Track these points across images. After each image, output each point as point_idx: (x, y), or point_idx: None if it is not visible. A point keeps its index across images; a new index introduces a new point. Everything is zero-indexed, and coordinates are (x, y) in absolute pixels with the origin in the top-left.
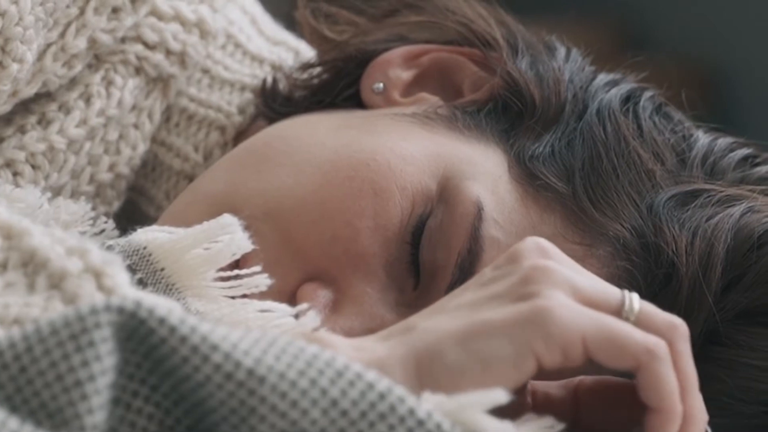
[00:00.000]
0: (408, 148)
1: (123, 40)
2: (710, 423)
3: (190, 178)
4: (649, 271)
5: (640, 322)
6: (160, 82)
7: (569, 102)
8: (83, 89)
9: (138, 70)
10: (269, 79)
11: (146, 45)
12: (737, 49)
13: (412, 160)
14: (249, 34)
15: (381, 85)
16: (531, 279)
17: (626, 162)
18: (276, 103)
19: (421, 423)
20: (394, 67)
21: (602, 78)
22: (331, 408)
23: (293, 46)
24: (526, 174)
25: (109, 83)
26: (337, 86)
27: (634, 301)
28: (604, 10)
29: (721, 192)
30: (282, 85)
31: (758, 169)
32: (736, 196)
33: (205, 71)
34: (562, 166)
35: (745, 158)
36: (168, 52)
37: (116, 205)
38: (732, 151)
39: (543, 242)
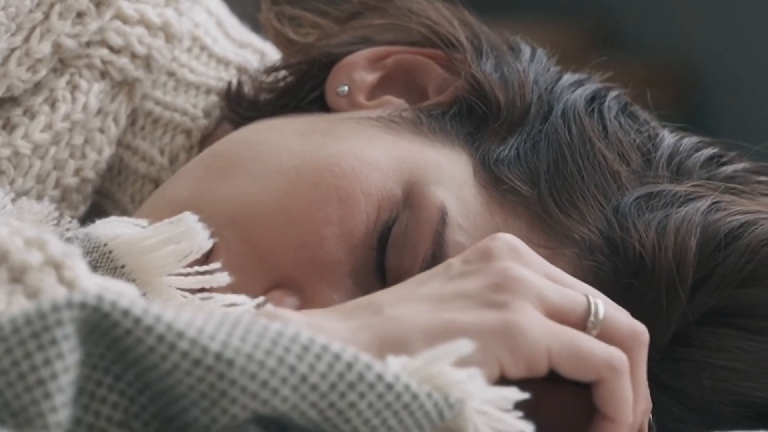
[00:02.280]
0: (373, 153)
1: (88, 44)
2: (687, 425)
3: (156, 182)
4: (618, 272)
5: (605, 330)
6: (125, 85)
7: (534, 104)
8: (48, 94)
9: (103, 74)
10: (234, 83)
11: (111, 49)
12: (710, 49)
13: (377, 165)
14: (215, 37)
15: (345, 88)
16: (501, 287)
17: (591, 164)
18: (241, 107)
19: (389, 386)
20: (358, 70)
21: (567, 78)
22: (301, 384)
23: (259, 48)
24: (491, 178)
25: (74, 87)
26: (303, 89)
27: (600, 308)
28: (577, 11)
29: (686, 190)
30: (247, 89)
31: (724, 168)
32: (701, 195)
33: (171, 74)
34: (527, 170)
35: (711, 158)
36: (133, 56)
37: (82, 209)
38: (698, 150)
39: (514, 241)
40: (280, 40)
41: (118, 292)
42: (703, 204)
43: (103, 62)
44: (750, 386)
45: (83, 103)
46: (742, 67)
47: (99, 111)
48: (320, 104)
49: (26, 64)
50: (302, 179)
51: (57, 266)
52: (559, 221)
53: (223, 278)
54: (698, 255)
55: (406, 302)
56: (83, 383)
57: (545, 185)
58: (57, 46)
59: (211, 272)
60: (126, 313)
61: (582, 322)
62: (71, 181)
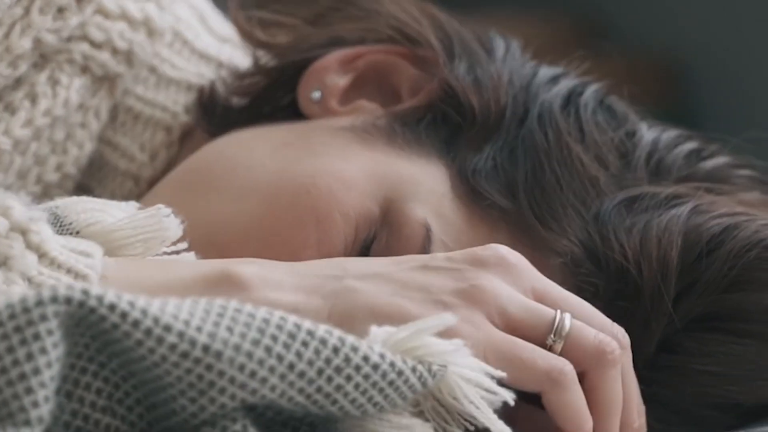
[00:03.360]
0: (348, 170)
1: (69, 39)
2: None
3: (136, 179)
4: (602, 283)
5: (569, 346)
6: (106, 81)
7: (509, 107)
8: (29, 89)
9: (84, 69)
10: (207, 89)
11: (92, 44)
12: (696, 40)
13: (353, 183)
14: (197, 31)
15: (318, 93)
16: (463, 292)
17: (569, 170)
18: (214, 114)
19: (376, 366)
20: (330, 74)
21: (544, 74)
22: (289, 372)
23: (240, 42)
24: (470, 191)
25: (55, 83)
26: (275, 95)
27: (565, 323)
28: (562, 3)
29: (666, 192)
30: (220, 95)
31: (704, 164)
32: (682, 195)
33: (152, 70)
34: (504, 180)
35: (691, 153)
36: (114, 51)
37: None
38: (677, 146)
39: (506, 253)
40: (250, 42)
41: (86, 252)
42: (683, 209)
43: (84, 57)
44: (734, 390)
45: (64, 98)
46: (729, 58)
47: (80, 106)
48: (295, 109)
49: (6, 59)
50: (278, 200)
51: (23, 231)
52: (540, 235)
53: (191, 258)
54: (681, 265)
55: (371, 278)
56: (67, 371)
57: (524, 197)
58: (38, 42)
59: (177, 253)
60: (112, 307)
61: (543, 336)
62: (52, 177)
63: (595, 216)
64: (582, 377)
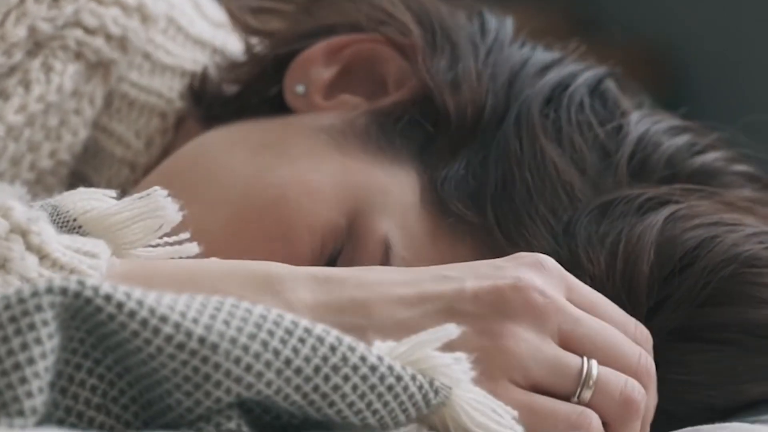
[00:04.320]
0: (318, 180)
1: (63, 25)
2: None
3: (132, 166)
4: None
5: (596, 397)
6: (100, 67)
7: (488, 107)
8: (22, 75)
9: (78, 56)
10: (198, 78)
11: (86, 30)
12: (690, 30)
13: (321, 195)
14: (191, 17)
15: (302, 87)
16: (487, 351)
17: (541, 178)
18: (205, 104)
19: (373, 368)
20: (315, 66)
21: (535, 62)
22: (285, 368)
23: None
24: (438, 202)
25: (48, 69)
26: (262, 87)
27: (593, 372)
28: None
29: (646, 195)
30: (211, 83)
31: (694, 160)
32: (661, 199)
33: (146, 56)
34: (474, 191)
35: (680, 149)
36: (108, 37)
37: (57, 192)
38: (667, 141)
39: (533, 295)
40: (241, 29)
41: (92, 252)
42: (659, 216)
43: (78, 43)
44: (710, 394)
45: (58, 85)
46: (721, 47)
47: (74, 92)
48: (282, 101)
49: (1, 48)
50: (248, 211)
51: (23, 233)
52: (505, 251)
53: (192, 248)
54: (653, 279)
55: (394, 329)
56: (62, 367)
57: (491, 210)
58: (32, 30)
59: (180, 242)
60: (108, 297)
61: (569, 392)
62: (46, 163)
63: (566, 227)
64: (605, 425)
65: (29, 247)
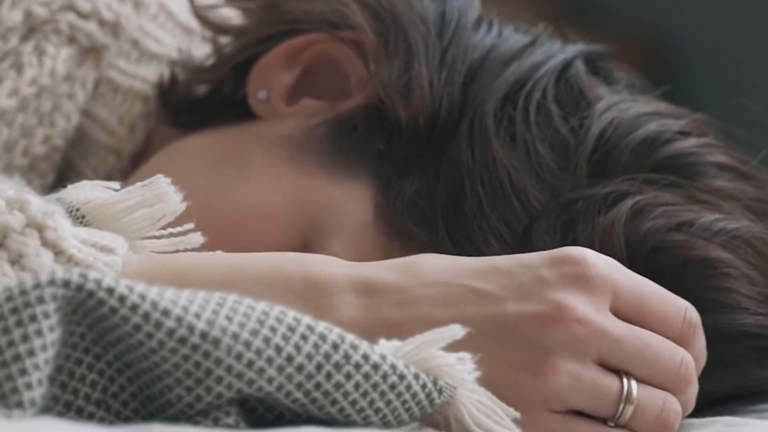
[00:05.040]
0: (274, 201)
1: (57, 9)
2: None
3: (117, 153)
4: None
5: (632, 423)
6: (92, 52)
7: (442, 114)
8: (14, 59)
9: (71, 40)
10: (166, 78)
11: (79, 14)
12: (682, 18)
13: (276, 218)
14: (181, 4)
15: (264, 93)
16: (526, 384)
17: (494, 189)
18: (171, 107)
19: (376, 366)
20: (276, 70)
21: (499, 53)
22: (287, 365)
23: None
24: (391, 219)
25: (41, 52)
26: (225, 93)
27: (633, 392)
28: None
29: (603, 192)
30: (179, 85)
31: (664, 149)
32: (620, 195)
33: (135, 44)
34: (425, 208)
35: (649, 138)
36: (101, 22)
37: (51, 178)
38: (637, 128)
39: (574, 316)
40: (204, 25)
41: (109, 247)
42: (615, 213)
43: (71, 27)
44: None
45: (50, 68)
46: (713, 35)
47: (67, 77)
48: (247, 105)
49: None
50: (207, 232)
51: (39, 227)
52: None
53: (197, 239)
54: None
55: (421, 328)
56: (62, 362)
57: (443, 227)
58: (28, 15)
59: (184, 233)
60: (111, 290)
61: (609, 414)
62: (40, 149)
63: (522, 238)
64: None
65: (45, 242)
